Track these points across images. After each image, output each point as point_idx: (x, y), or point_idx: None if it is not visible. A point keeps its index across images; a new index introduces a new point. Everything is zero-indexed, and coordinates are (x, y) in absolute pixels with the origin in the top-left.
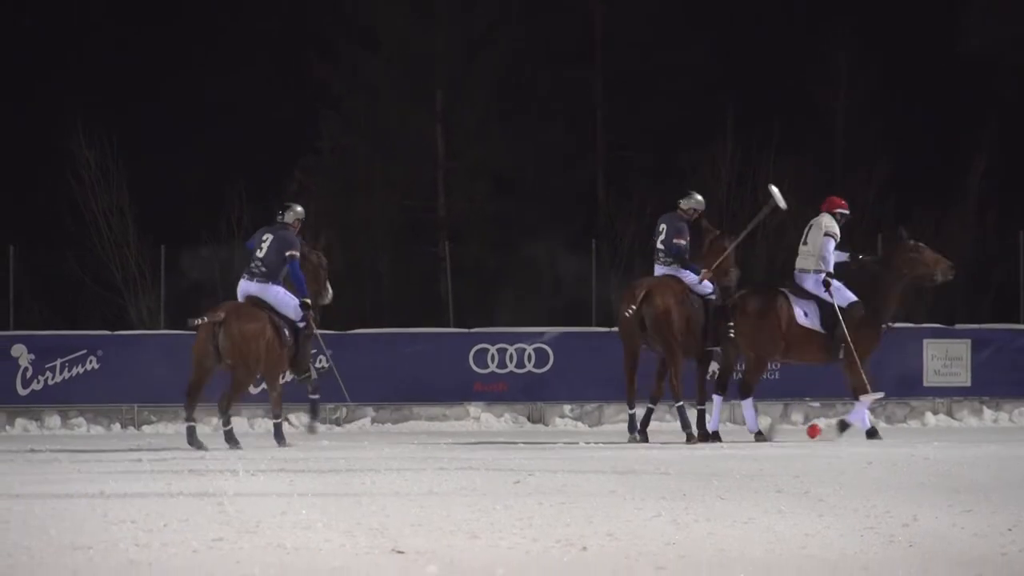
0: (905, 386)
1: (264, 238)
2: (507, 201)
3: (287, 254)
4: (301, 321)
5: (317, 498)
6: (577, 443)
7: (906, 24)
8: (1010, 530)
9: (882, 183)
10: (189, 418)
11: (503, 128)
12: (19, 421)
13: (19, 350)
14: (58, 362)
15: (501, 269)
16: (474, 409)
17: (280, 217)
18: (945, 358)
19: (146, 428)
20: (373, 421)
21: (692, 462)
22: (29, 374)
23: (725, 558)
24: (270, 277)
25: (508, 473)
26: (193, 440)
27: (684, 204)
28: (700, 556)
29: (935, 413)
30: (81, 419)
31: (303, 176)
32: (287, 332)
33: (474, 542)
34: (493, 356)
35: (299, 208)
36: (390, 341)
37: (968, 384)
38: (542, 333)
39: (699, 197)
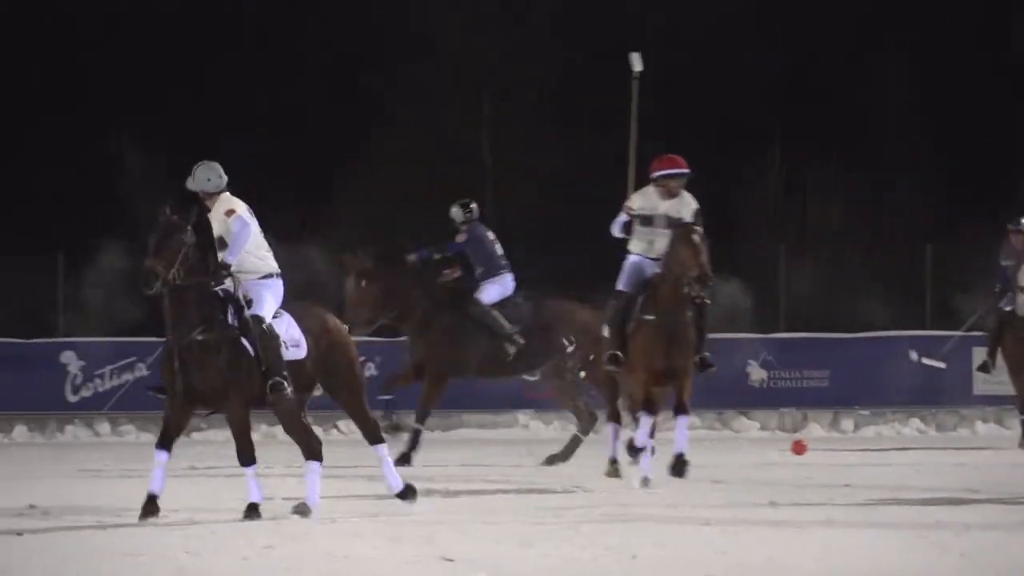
0: None
1: None
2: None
3: None
4: None
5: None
6: None
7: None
8: None
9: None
10: None
11: (547, 133)
12: (69, 428)
13: (68, 357)
14: (107, 369)
15: None
16: None
17: None
18: None
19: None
20: None
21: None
22: (79, 380)
23: None
24: None
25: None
26: None
27: None
28: None
29: None
30: (131, 426)
31: None
32: None
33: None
34: None
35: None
36: None
37: None
38: None
39: None
